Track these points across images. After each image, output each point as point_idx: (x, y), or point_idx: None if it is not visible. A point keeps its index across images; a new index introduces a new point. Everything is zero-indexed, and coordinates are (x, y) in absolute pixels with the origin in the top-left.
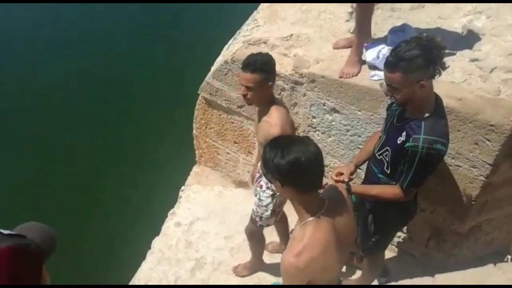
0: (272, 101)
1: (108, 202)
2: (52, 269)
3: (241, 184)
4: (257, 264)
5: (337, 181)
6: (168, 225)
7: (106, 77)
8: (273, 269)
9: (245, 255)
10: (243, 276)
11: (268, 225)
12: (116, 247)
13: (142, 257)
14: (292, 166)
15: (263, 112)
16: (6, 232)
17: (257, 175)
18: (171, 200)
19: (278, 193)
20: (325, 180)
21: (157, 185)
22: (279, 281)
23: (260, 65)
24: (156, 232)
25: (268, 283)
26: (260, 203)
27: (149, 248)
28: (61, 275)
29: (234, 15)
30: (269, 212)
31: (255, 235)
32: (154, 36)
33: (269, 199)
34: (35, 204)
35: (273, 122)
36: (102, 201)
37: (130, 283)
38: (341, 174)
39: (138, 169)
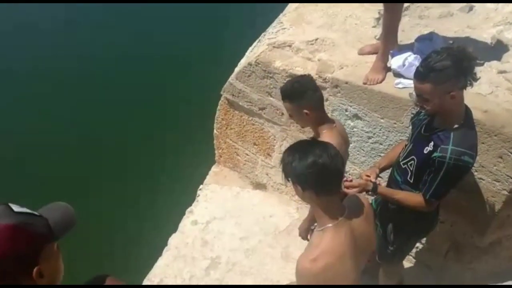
0: (322, 123)
1: (126, 198)
2: (68, 262)
3: (258, 185)
4: None
5: (366, 180)
6: (185, 223)
7: (129, 75)
8: (275, 279)
9: (260, 257)
10: None
11: None
12: (133, 242)
13: (159, 253)
14: (309, 169)
15: (313, 134)
16: (17, 209)
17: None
18: (189, 198)
19: None
20: (349, 176)
21: (176, 183)
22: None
23: (289, 94)
24: (173, 229)
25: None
26: None
27: (166, 245)
28: (76, 268)
29: (260, 16)
30: None
31: None
32: (179, 34)
33: None
34: (51, 197)
35: None
36: (121, 197)
37: (146, 279)
38: (368, 176)
39: (158, 166)
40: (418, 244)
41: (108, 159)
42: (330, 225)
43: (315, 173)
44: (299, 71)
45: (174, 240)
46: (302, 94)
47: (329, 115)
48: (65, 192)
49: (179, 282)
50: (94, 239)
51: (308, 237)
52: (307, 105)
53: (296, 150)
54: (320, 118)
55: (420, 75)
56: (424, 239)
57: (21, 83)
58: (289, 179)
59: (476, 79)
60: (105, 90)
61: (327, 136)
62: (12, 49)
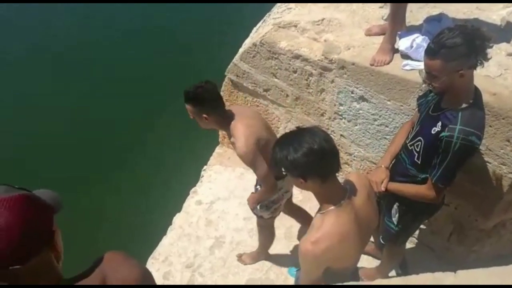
0: (228, 122)
1: (132, 178)
2: (74, 240)
3: None
4: (261, 255)
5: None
6: (190, 203)
7: (134, 54)
8: (279, 259)
9: None
10: (246, 264)
11: (262, 217)
12: (138, 221)
13: (163, 232)
14: (309, 156)
15: (228, 135)
16: (17, 187)
17: None
18: (193, 179)
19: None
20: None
21: (180, 164)
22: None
23: (191, 98)
24: (177, 209)
25: (273, 273)
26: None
27: (170, 224)
28: (82, 246)
29: None
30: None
31: (263, 227)
32: (183, 15)
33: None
34: (59, 179)
35: (237, 144)
36: (126, 177)
37: (151, 257)
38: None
39: (162, 147)
40: (421, 226)
41: (113, 141)
42: (332, 207)
43: (316, 159)
44: (305, 52)
45: (178, 219)
46: (203, 101)
47: (334, 97)
48: (70, 173)
49: (183, 261)
50: (100, 219)
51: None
52: (207, 111)
53: (287, 143)
54: (220, 120)
55: (431, 51)
56: (428, 221)
57: (18, 79)
58: (287, 173)
59: (487, 59)
60: (107, 72)
61: (235, 131)
62: (11, 46)
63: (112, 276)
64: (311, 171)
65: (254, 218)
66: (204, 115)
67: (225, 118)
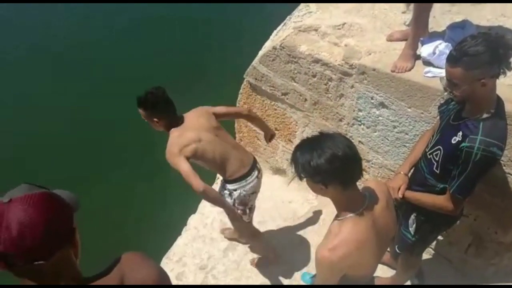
0: (172, 127)
1: (148, 179)
2: (89, 239)
3: (278, 171)
4: (272, 259)
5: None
6: (205, 204)
7: (134, 54)
8: (292, 264)
9: (278, 242)
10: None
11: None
12: (153, 221)
13: (178, 232)
14: (332, 163)
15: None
16: (37, 185)
17: None
18: (209, 181)
19: (237, 192)
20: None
21: (196, 165)
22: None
23: (141, 102)
24: (192, 210)
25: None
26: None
27: (185, 224)
28: (97, 246)
29: None
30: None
31: (241, 231)
32: (205, 16)
33: (229, 198)
34: (59, 179)
35: (166, 150)
36: (142, 177)
37: (165, 257)
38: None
39: None
40: (439, 237)
41: (128, 141)
42: (351, 215)
43: (339, 165)
44: (325, 56)
45: (193, 220)
46: (154, 105)
47: (354, 102)
48: (70, 173)
49: (197, 262)
50: (115, 218)
51: None
52: (157, 115)
53: (309, 148)
54: (169, 124)
55: (452, 59)
56: (446, 232)
57: (18, 79)
58: (307, 178)
59: (510, 68)
60: (107, 72)
61: (170, 137)
62: (11, 46)
63: (130, 276)
64: (333, 178)
65: (268, 222)
66: (155, 119)
67: (172, 124)
